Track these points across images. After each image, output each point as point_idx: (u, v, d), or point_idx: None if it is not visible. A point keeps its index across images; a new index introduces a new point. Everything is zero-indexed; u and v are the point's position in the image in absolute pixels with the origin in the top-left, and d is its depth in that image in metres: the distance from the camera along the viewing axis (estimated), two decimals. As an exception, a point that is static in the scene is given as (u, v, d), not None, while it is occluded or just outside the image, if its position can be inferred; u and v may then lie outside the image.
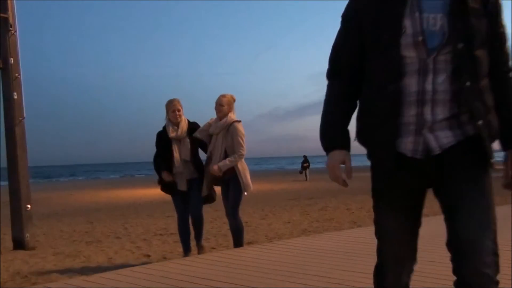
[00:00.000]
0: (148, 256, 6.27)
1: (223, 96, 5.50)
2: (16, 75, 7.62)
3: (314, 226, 8.46)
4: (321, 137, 1.97)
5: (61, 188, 32.98)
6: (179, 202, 5.68)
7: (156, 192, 6.73)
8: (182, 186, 5.55)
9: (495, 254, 1.76)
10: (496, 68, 1.87)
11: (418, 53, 1.78)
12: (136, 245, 7.20)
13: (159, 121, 5.77)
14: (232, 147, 5.33)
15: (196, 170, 5.59)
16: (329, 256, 4.79)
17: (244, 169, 5.39)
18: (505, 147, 1.88)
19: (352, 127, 1.97)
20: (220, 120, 5.40)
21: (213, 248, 6.56)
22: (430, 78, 1.78)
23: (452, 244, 1.80)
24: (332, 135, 1.94)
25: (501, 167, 1.88)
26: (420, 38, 1.77)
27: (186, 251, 5.68)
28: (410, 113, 1.80)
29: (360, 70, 1.92)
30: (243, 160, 5.41)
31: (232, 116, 5.42)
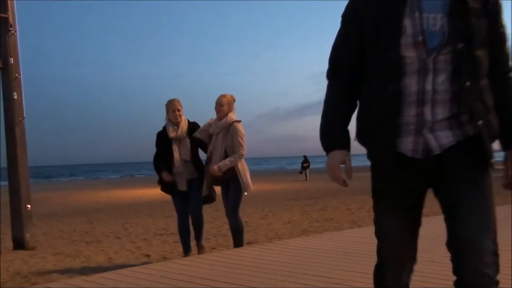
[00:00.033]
0: (148, 256, 6.27)
1: (223, 96, 5.50)
2: (16, 75, 7.63)
3: (314, 226, 8.46)
4: (321, 137, 1.96)
5: (61, 188, 32.98)
6: (179, 202, 5.68)
7: (156, 192, 6.74)
8: (182, 186, 5.55)
9: (495, 254, 1.76)
10: (496, 68, 1.86)
11: (418, 53, 1.78)
12: (136, 245, 7.20)
13: (159, 121, 5.78)
14: (232, 147, 5.33)
15: (196, 170, 5.59)
16: (329, 256, 4.79)
17: (244, 169, 5.39)
18: (505, 147, 1.88)
19: (352, 127, 1.97)
20: (220, 120, 5.40)
21: (213, 248, 6.56)
22: (430, 78, 1.77)
23: (452, 244, 1.80)
24: (332, 135, 1.93)
25: (501, 167, 1.88)
26: (420, 38, 1.77)
27: (186, 251, 5.68)
28: (410, 113, 1.80)
29: (360, 70, 1.92)
30: (243, 160, 5.41)
31: (232, 116, 5.42)
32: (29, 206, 7.58)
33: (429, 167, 1.82)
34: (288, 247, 5.40)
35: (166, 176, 5.55)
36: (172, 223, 8.81)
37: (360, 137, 1.95)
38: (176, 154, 5.54)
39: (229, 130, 5.36)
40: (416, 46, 1.78)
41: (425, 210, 1.99)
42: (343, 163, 1.90)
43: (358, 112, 1.95)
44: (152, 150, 5.81)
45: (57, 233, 9.28)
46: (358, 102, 1.96)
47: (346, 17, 1.96)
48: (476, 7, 1.79)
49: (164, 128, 5.67)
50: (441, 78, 1.77)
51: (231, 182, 5.37)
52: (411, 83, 1.79)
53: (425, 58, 1.78)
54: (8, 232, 7.85)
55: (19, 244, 7.38)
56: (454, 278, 1.81)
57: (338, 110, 1.94)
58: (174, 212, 5.89)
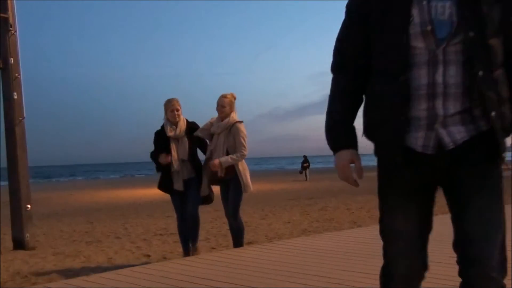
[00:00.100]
0: (148, 256, 6.27)
1: (224, 96, 5.49)
2: (16, 75, 7.62)
3: (314, 226, 8.46)
4: (327, 137, 1.89)
5: (61, 188, 32.99)
6: (178, 202, 5.67)
7: (156, 192, 6.72)
8: (179, 185, 5.54)
9: (504, 258, 1.72)
10: (510, 57, 1.77)
11: (427, 43, 1.71)
12: (136, 245, 7.20)
13: (159, 121, 5.76)
14: (234, 147, 5.33)
15: (194, 169, 5.58)
16: (329, 256, 4.78)
17: (244, 169, 5.39)
18: None
19: (358, 123, 1.90)
20: (222, 121, 5.40)
21: (213, 248, 6.56)
22: (440, 70, 1.70)
23: (460, 245, 1.74)
24: (337, 135, 1.87)
25: (507, 167, 1.83)
26: (429, 28, 1.70)
27: (186, 251, 5.67)
28: (420, 107, 1.72)
29: (366, 63, 1.83)
30: (243, 160, 5.41)
31: (235, 116, 5.42)
32: (29, 206, 7.58)
33: (440, 162, 1.74)
34: (288, 247, 5.40)
35: (163, 158, 5.51)
36: (172, 223, 8.81)
37: (367, 132, 1.86)
38: (174, 153, 5.52)
39: (231, 130, 5.35)
40: (424, 36, 1.71)
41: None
42: (352, 162, 1.83)
43: (365, 107, 1.87)
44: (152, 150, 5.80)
45: (57, 233, 9.28)
46: (364, 96, 1.88)
47: (351, 7, 1.87)
48: None
49: (163, 127, 5.66)
50: (452, 70, 1.69)
51: (232, 182, 5.37)
52: (420, 76, 1.71)
53: (435, 49, 1.70)
54: (8, 232, 7.85)
55: (19, 244, 7.38)
56: (459, 280, 1.76)
57: (343, 107, 1.87)
58: (174, 212, 5.88)
